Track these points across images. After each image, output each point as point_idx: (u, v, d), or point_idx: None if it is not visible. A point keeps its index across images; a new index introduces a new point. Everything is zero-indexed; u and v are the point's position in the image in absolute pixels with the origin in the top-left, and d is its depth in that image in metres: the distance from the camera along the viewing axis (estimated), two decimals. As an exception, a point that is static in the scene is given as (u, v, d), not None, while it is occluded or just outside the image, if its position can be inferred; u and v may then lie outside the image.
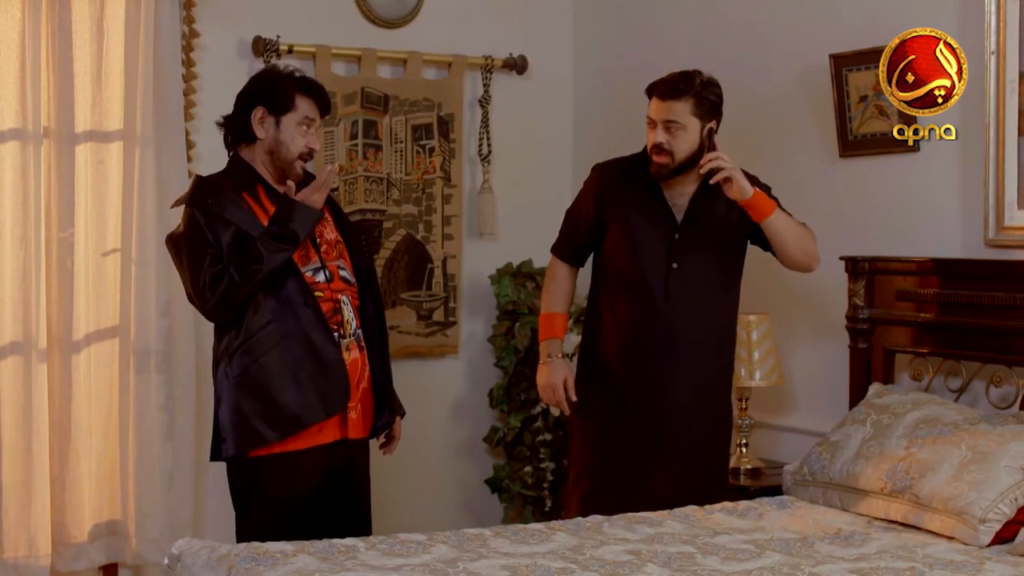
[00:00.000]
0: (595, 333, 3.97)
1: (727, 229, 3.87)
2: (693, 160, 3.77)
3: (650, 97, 3.85)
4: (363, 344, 3.70)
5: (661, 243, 3.84)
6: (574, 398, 3.95)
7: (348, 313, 3.65)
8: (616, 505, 3.70)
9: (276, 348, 3.52)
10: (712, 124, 3.80)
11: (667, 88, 3.79)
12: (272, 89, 3.62)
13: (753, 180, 3.84)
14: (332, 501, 3.68)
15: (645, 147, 3.91)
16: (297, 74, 3.67)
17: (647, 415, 3.85)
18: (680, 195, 3.86)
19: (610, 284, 3.92)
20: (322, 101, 3.66)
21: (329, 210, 3.75)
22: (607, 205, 3.91)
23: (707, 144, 3.77)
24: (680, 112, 3.76)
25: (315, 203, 3.54)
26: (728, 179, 3.68)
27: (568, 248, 4.05)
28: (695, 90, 3.76)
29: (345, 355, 3.61)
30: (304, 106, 3.61)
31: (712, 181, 3.70)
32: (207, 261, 3.47)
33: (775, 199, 3.87)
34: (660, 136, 3.78)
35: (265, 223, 3.55)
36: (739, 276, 3.96)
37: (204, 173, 4.21)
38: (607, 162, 4.03)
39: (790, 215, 3.87)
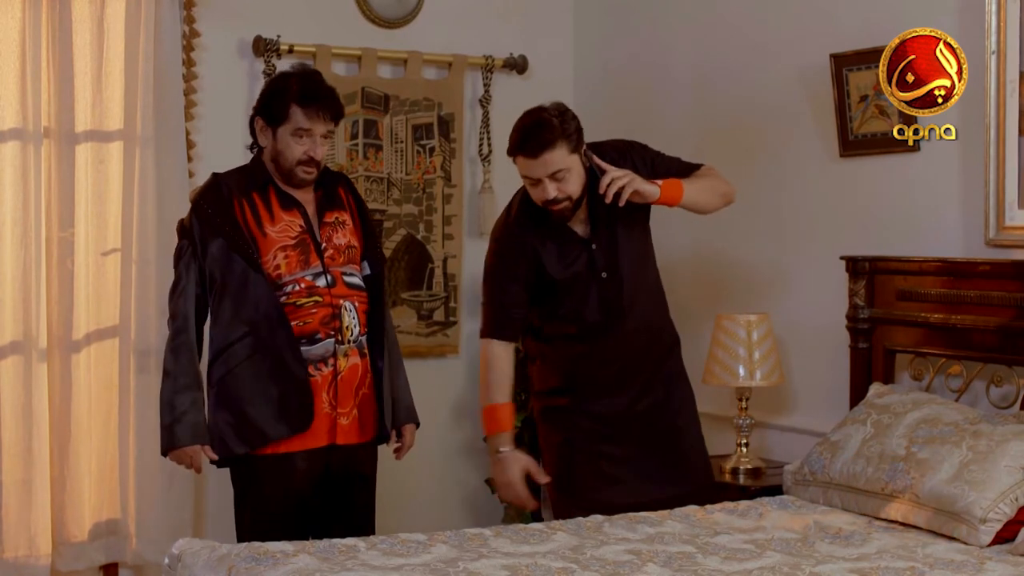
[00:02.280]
0: (543, 358, 3.88)
1: (630, 213, 3.74)
2: (588, 189, 3.67)
3: (515, 157, 3.64)
4: (365, 351, 3.70)
5: (583, 261, 3.74)
6: (545, 479, 3.80)
7: (349, 319, 3.65)
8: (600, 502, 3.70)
9: (248, 360, 3.59)
10: (585, 148, 3.68)
11: (536, 145, 3.57)
12: (269, 100, 3.66)
13: (628, 147, 3.78)
14: (333, 504, 3.68)
15: (522, 192, 3.78)
16: (301, 82, 3.63)
17: (612, 414, 3.81)
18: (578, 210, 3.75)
19: (547, 317, 3.82)
20: (323, 110, 3.61)
21: (357, 214, 3.77)
22: (522, 267, 3.74)
23: (593, 168, 3.67)
24: (559, 159, 3.60)
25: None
26: (633, 194, 3.59)
27: (503, 324, 3.78)
28: (559, 132, 3.59)
29: (343, 361, 3.63)
30: (298, 117, 3.60)
31: (622, 203, 3.59)
32: (184, 274, 3.64)
33: (673, 161, 3.81)
34: (551, 191, 3.61)
35: (262, 229, 3.60)
36: (651, 246, 3.87)
37: (204, 173, 4.21)
38: (511, 222, 3.81)
39: (690, 169, 3.79)
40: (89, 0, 4.48)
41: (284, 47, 4.81)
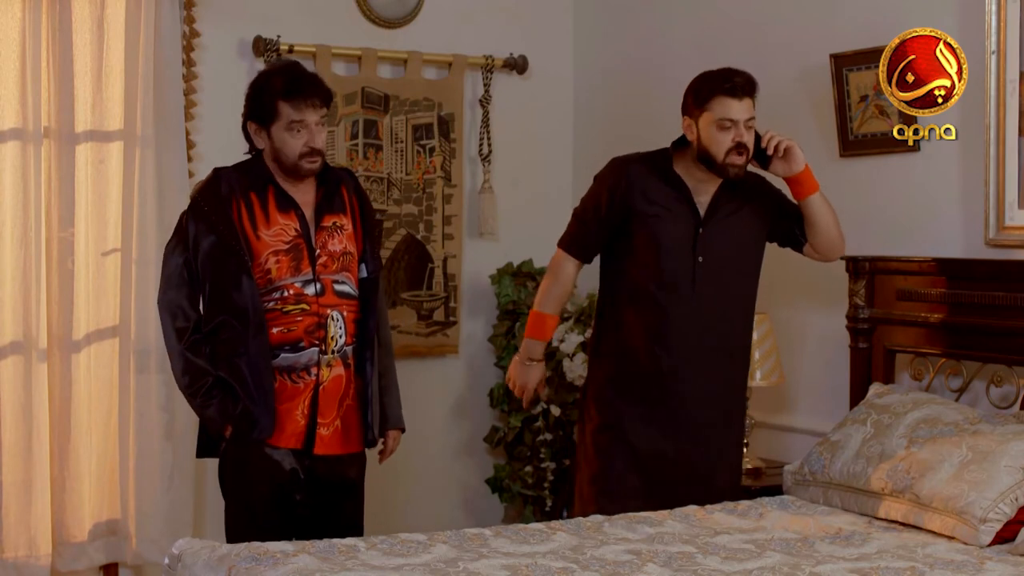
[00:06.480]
0: (612, 330, 3.91)
1: (748, 227, 3.86)
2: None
3: (710, 97, 3.72)
4: (350, 361, 3.67)
5: (686, 238, 3.80)
6: (543, 399, 3.89)
7: (335, 329, 3.62)
8: (638, 505, 3.71)
9: (225, 362, 3.61)
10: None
11: (746, 85, 3.73)
12: (256, 101, 3.63)
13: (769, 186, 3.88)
14: (320, 513, 3.68)
15: (667, 148, 3.87)
16: (282, 77, 3.61)
17: (670, 407, 3.82)
18: (704, 192, 3.83)
19: (632, 281, 3.86)
20: (311, 98, 3.58)
21: (359, 215, 3.74)
22: (633, 201, 3.83)
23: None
24: (752, 108, 3.74)
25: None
26: (788, 149, 3.72)
27: (581, 243, 3.92)
28: (758, 86, 3.76)
29: (325, 371, 3.61)
30: (287, 111, 3.57)
31: (780, 153, 3.73)
32: (175, 268, 3.63)
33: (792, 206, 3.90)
34: (745, 136, 3.72)
35: (256, 232, 3.58)
36: (758, 273, 3.93)
37: (204, 173, 4.21)
38: (628, 157, 3.93)
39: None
40: (89, 0, 4.48)
41: (284, 47, 4.81)
